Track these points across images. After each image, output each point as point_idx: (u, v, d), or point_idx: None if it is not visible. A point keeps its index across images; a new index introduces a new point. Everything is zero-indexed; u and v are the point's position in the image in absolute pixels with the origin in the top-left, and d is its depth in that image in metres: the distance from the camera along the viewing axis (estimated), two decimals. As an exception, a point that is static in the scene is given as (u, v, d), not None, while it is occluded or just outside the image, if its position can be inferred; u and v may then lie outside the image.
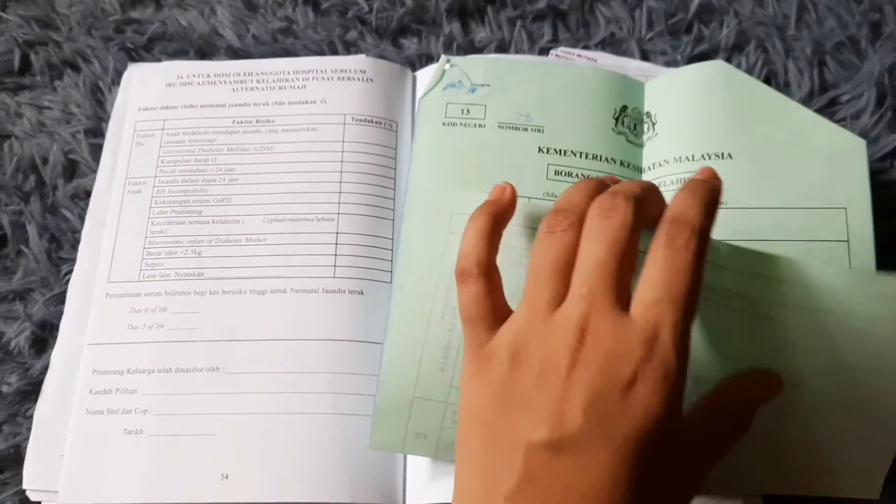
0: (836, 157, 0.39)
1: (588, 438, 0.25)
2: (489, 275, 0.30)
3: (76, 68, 0.47)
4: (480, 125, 0.42)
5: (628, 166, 0.41)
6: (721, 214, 0.32)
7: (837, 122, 0.44)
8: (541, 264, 0.28)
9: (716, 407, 0.29)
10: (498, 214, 0.32)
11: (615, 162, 0.41)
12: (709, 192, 0.29)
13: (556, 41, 0.47)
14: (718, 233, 0.30)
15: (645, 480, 0.25)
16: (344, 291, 0.39)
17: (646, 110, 0.42)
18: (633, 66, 0.45)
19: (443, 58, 0.44)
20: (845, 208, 0.38)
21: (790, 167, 0.39)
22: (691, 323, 0.26)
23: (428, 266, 0.36)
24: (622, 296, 0.27)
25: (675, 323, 0.26)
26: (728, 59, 0.46)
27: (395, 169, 0.43)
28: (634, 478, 0.25)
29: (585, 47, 0.47)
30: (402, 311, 0.36)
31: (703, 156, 0.40)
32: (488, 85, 0.43)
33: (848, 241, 0.37)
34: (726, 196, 0.37)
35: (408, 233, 0.37)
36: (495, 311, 0.30)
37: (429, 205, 0.38)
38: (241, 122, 0.44)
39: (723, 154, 0.40)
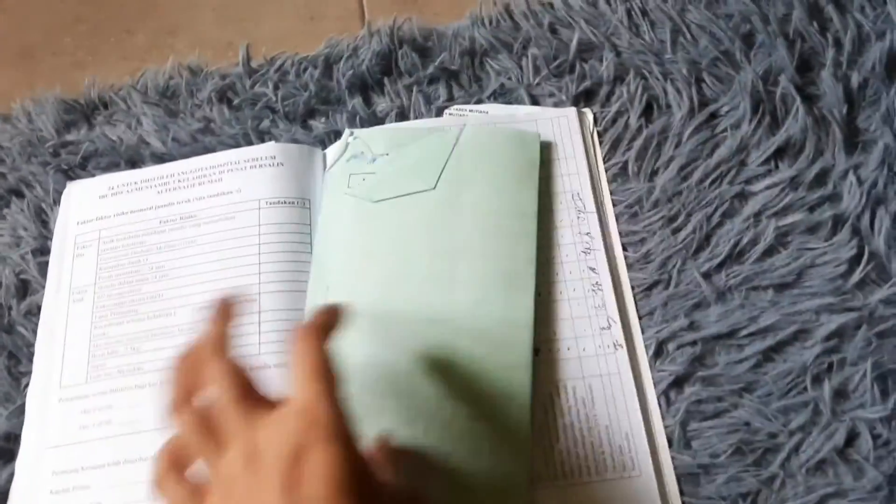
0: None
1: None
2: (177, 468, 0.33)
3: (20, 195, 0.51)
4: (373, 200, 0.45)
5: None
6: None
7: (719, 134, 0.46)
8: (187, 440, 0.32)
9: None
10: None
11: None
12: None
13: (451, 99, 0.50)
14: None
15: None
16: (269, 366, 0.42)
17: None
18: (522, 111, 0.48)
19: (347, 131, 0.48)
20: None
21: None
22: (333, 386, 0.30)
23: None
24: (256, 403, 0.31)
25: (316, 392, 0.30)
26: (611, 91, 0.48)
27: (310, 244, 0.46)
28: None
29: (479, 101, 0.49)
30: None
31: None
32: (387, 154, 0.46)
33: None
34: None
35: (308, 303, 0.41)
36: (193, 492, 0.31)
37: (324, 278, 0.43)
38: (167, 221, 0.47)
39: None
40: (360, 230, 0.44)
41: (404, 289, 0.42)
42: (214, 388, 0.32)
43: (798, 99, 0.46)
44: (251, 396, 0.31)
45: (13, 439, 0.44)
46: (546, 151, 0.46)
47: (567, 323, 0.41)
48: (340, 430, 0.29)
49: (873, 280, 0.42)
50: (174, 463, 0.32)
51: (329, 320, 0.33)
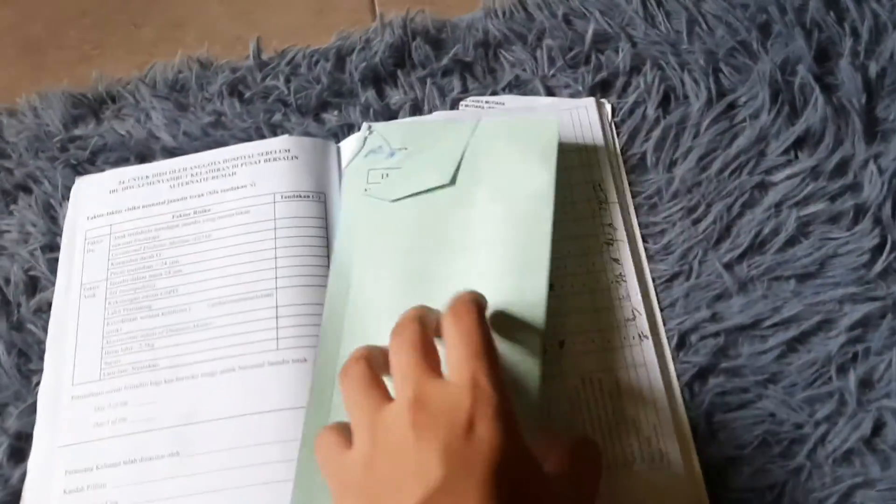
0: None
1: (453, 481, 0.28)
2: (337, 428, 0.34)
3: (28, 190, 0.50)
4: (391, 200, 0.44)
5: None
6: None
7: (737, 124, 0.46)
8: (350, 392, 0.33)
9: (578, 449, 0.35)
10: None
11: None
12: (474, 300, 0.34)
13: (465, 91, 0.49)
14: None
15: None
16: (288, 362, 0.41)
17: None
18: (540, 102, 0.48)
19: (364, 125, 0.47)
20: None
21: None
22: (497, 366, 0.31)
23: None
24: (435, 371, 0.31)
25: (484, 370, 0.31)
26: (627, 82, 0.48)
27: (326, 238, 0.45)
28: (504, 499, 0.28)
29: (494, 93, 0.49)
30: (318, 378, 0.40)
31: None
32: (405, 148, 0.46)
33: None
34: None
35: (328, 302, 0.41)
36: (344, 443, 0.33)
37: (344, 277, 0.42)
38: (181, 216, 0.46)
39: None
40: (379, 228, 0.44)
41: (425, 285, 0.41)
42: (393, 355, 0.33)
43: (817, 89, 0.46)
44: (428, 360, 0.32)
45: (25, 438, 0.43)
46: (565, 142, 0.45)
47: (590, 315, 0.41)
48: (508, 409, 0.30)
49: (896, 269, 0.42)
50: (334, 427, 0.34)
51: (482, 301, 0.34)
